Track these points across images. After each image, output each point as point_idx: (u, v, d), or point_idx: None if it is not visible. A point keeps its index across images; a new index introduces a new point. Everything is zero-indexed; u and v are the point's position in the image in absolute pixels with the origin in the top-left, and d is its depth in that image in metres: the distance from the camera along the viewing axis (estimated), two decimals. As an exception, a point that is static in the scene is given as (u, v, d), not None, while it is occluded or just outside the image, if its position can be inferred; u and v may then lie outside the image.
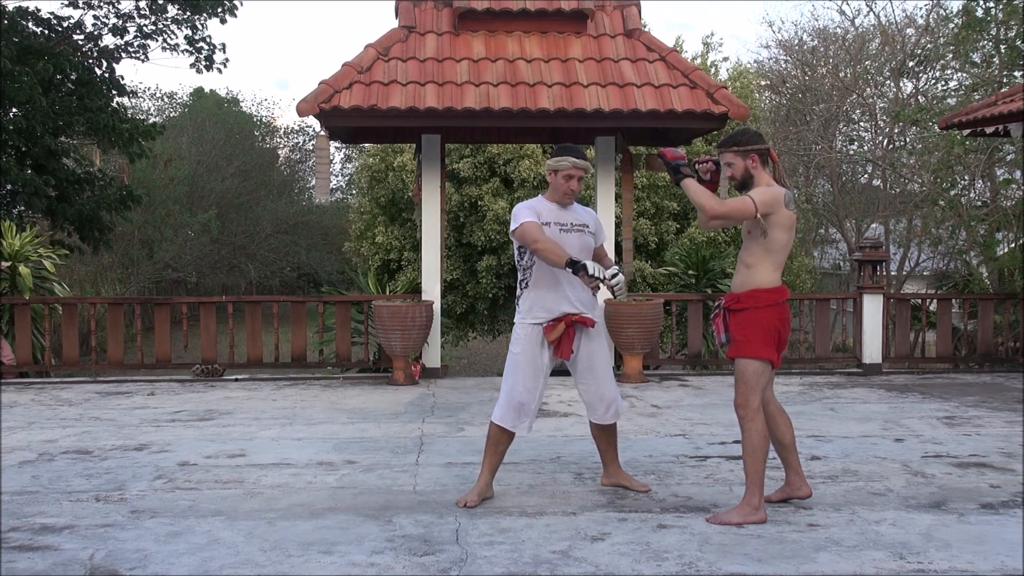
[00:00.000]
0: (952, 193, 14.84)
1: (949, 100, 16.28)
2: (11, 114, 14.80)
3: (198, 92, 34.58)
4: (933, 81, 18.05)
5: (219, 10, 16.71)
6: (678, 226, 17.44)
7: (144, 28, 16.86)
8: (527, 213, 4.64)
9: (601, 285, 4.43)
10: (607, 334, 8.74)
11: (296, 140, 37.69)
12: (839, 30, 20.76)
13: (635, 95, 8.62)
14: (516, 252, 4.80)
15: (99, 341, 12.51)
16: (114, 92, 16.64)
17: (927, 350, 12.54)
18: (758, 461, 4.36)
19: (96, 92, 15.99)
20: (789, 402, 7.51)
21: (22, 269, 10.00)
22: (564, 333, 4.63)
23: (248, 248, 31.64)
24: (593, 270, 4.37)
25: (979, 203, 14.90)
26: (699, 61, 20.99)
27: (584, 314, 4.68)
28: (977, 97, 13.80)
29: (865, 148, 19.43)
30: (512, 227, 4.67)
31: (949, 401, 7.87)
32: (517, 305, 4.80)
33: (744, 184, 4.50)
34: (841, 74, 19.44)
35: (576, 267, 4.40)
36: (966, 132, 10.56)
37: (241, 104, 36.43)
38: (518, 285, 4.83)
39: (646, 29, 9.94)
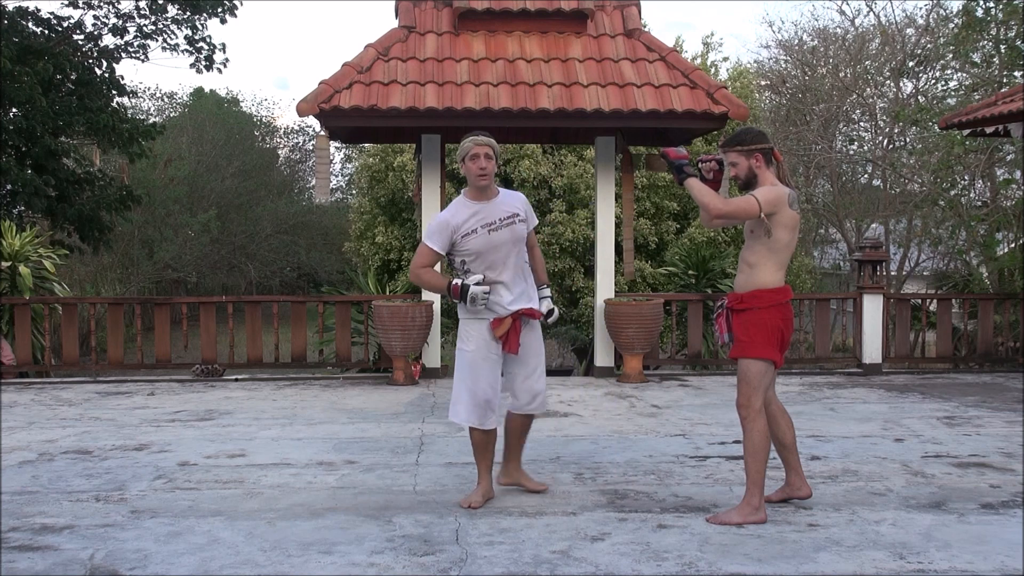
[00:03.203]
0: (952, 193, 14.83)
1: (949, 100, 16.27)
2: (11, 114, 14.81)
3: (198, 92, 34.58)
4: (933, 81, 18.07)
5: (219, 10, 16.72)
6: (678, 226, 17.46)
7: (144, 28, 16.88)
8: (433, 236, 4.63)
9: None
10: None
11: (296, 140, 37.74)
12: (839, 30, 20.77)
13: (635, 95, 8.62)
14: (447, 260, 4.78)
15: (99, 341, 12.52)
16: (114, 92, 16.65)
17: (927, 350, 12.54)
18: (759, 461, 4.35)
19: (96, 92, 16.01)
20: (789, 402, 7.50)
21: (22, 269, 10.00)
22: (511, 327, 4.63)
23: (248, 248, 31.65)
24: (474, 294, 4.48)
25: (979, 203, 14.90)
26: (699, 61, 21.02)
27: (528, 307, 4.67)
28: (977, 97, 13.81)
29: (865, 148, 19.42)
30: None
31: (949, 401, 7.86)
32: None
33: (748, 183, 4.48)
34: (841, 74, 19.43)
35: (463, 296, 4.51)
36: (966, 132, 10.56)
37: (241, 104, 36.46)
38: None
39: (646, 29, 9.93)
